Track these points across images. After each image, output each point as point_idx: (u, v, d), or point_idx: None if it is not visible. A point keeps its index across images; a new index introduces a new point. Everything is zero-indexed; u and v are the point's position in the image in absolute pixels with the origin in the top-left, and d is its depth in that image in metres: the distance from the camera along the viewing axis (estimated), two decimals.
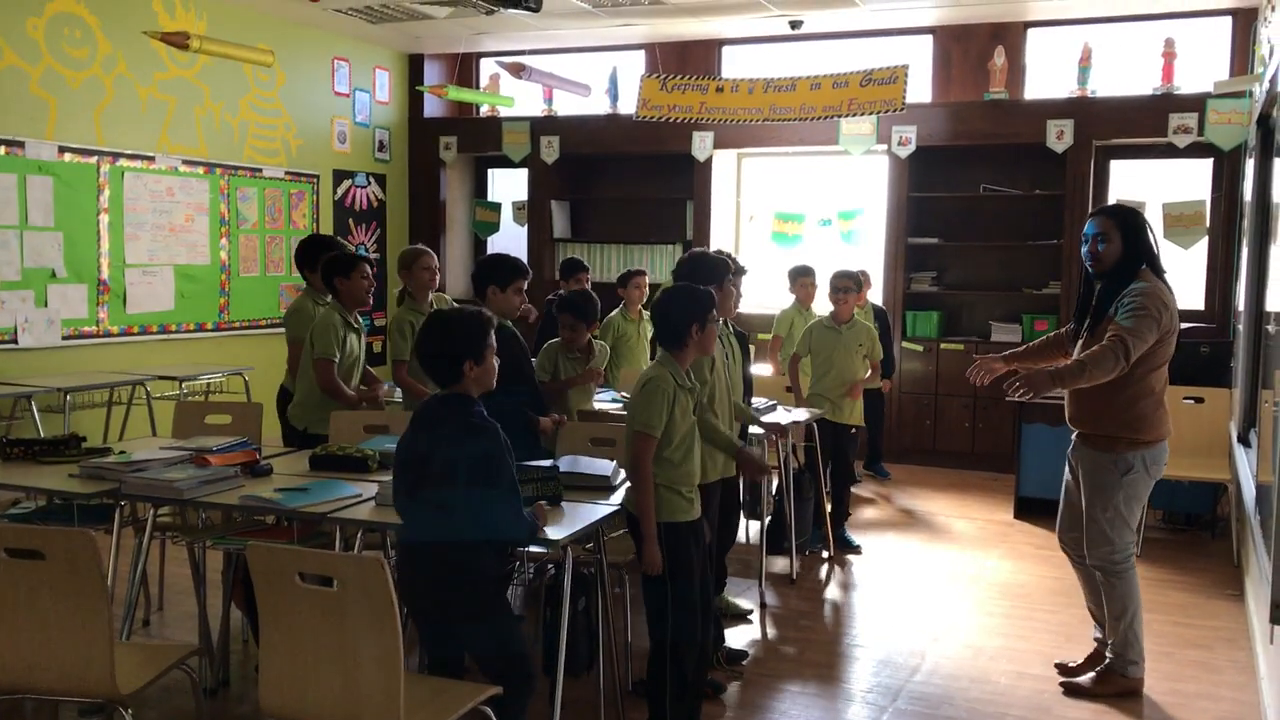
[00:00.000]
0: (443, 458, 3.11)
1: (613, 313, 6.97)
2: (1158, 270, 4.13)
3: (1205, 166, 8.21)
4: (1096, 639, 4.43)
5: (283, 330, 5.74)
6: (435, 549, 3.12)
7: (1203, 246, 7.99)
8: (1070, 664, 4.45)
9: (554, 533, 3.37)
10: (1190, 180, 8.22)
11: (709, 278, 4.25)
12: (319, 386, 5.00)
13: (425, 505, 3.15)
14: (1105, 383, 3.97)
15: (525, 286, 4.71)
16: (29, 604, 2.93)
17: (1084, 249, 4.18)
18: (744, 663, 4.55)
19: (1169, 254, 7.68)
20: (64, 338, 7.24)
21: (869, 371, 6.37)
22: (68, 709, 3.78)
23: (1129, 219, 4.17)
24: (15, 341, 6.93)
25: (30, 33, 6.98)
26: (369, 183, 9.90)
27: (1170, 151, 8.06)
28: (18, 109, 6.94)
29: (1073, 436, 4.30)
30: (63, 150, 7.20)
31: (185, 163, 8.08)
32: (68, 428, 6.03)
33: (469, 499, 3.09)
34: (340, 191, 9.58)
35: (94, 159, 7.41)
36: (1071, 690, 4.29)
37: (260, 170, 8.74)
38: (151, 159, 7.82)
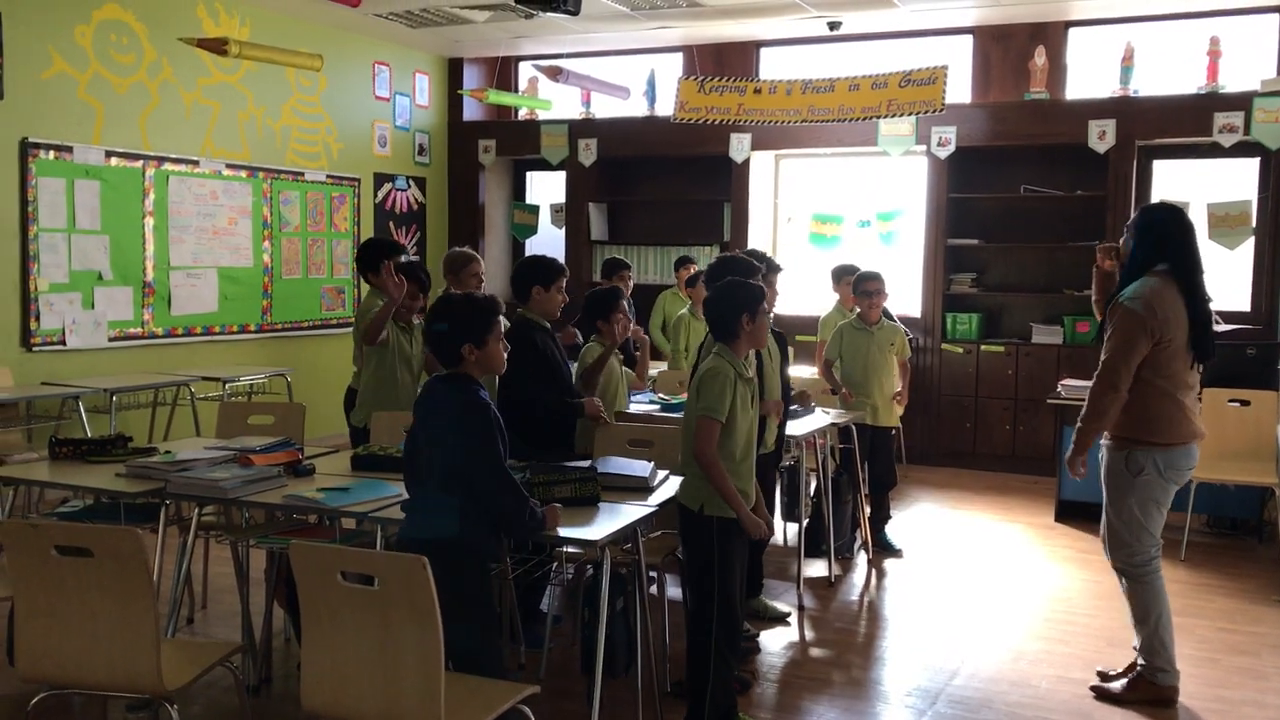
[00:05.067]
0: (435, 434, 3.19)
1: (681, 311, 7.07)
2: (1184, 270, 4.04)
3: (1251, 166, 8.09)
4: (1135, 648, 4.36)
5: (326, 332, 5.79)
6: (424, 530, 3.17)
7: (1249, 247, 7.88)
8: (1111, 671, 4.39)
9: (592, 533, 3.38)
10: (1236, 180, 8.10)
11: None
12: (365, 340, 5.09)
13: (421, 482, 3.23)
14: None
15: (565, 285, 4.79)
16: (78, 601, 2.98)
17: None
18: (753, 660, 4.55)
19: (1214, 255, 7.65)
20: (110, 339, 7.36)
21: (898, 372, 6.34)
22: (115, 704, 3.84)
23: (1144, 216, 4.17)
24: (63, 343, 7.06)
25: (78, 40, 7.11)
26: (409, 186, 9.98)
27: (1215, 151, 7.95)
28: (66, 114, 7.06)
29: (1100, 441, 4.25)
30: (109, 154, 7.31)
31: (229, 166, 8.19)
32: (114, 428, 6.12)
33: (459, 474, 3.15)
34: (381, 195, 9.66)
35: (140, 163, 7.52)
36: (1102, 695, 4.24)
37: (302, 174, 8.83)
38: (196, 163, 7.93)
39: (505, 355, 3.37)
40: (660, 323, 7.88)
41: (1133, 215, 4.28)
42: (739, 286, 3.78)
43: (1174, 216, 4.14)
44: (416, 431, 3.29)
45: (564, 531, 3.36)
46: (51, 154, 6.96)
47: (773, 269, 5.01)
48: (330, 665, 2.84)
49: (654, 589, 4.34)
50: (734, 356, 3.68)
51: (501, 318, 3.38)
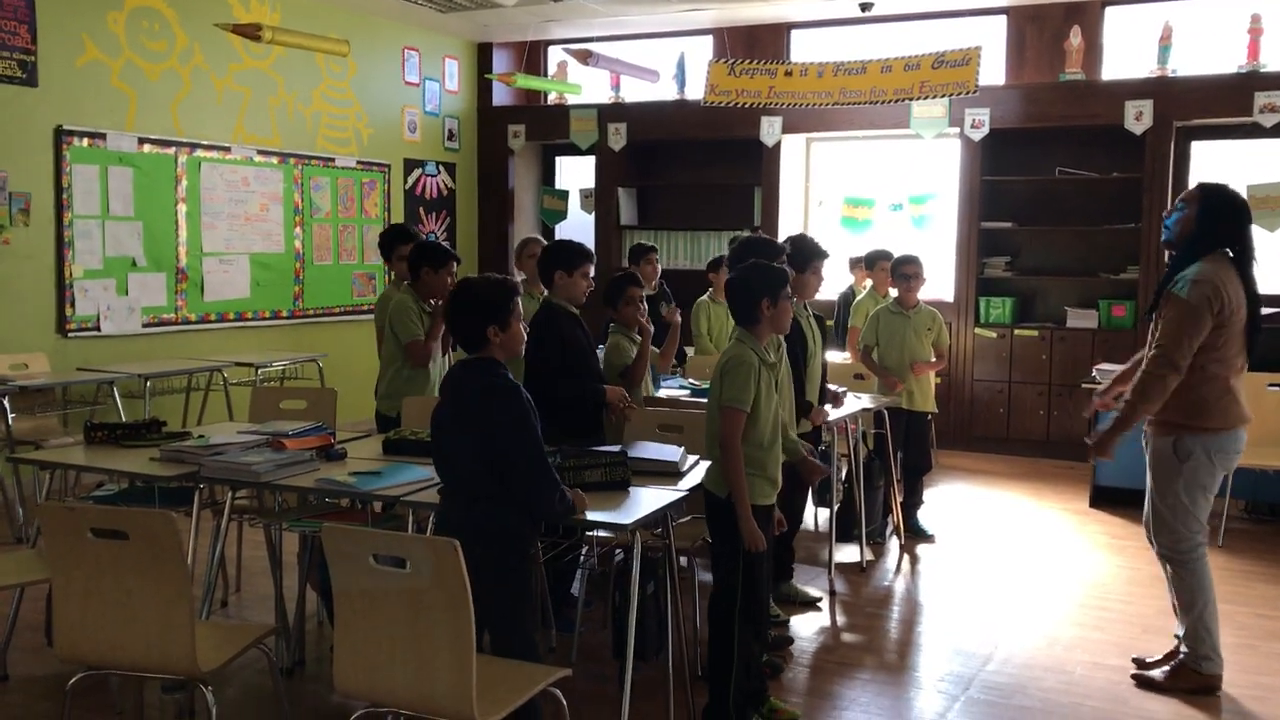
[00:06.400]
0: (466, 420, 3.16)
1: (701, 297, 6.99)
2: (1246, 255, 3.98)
3: None
4: (1176, 636, 4.30)
5: (357, 317, 5.81)
6: (465, 516, 3.17)
7: None
8: (1148, 659, 4.33)
9: (623, 517, 3.38)
10: (1277, 161, 7.96)
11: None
12: (416, 364, 5.15)
13: (455, 468, 3.22)
14: None
15: (591, 271, 4.71)
16: (114, 583, 3.01)
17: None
18: (788, 648, 4.54)
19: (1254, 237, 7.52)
20: (144, 325, 7.42)
21: (934, 357, 6.28)
22: (151, 685, 3.88)
23: (1213, 197, 4.06)
24: (98, 329, 7.12)
25: (111, 27, 7.15)
26: (439, 171, 9.99)
27: (1256, 131, 7.80)
28: (99, 101, 7.11)
29: (1144, 426, 4.19)
30: (142, 141, 7.36)
31: (260, 153, 8.22)
32: (148, 412, 6.17)
33: (496, 460, 3.13)
34: (411, 180, 9.68)
35: (172, 150, 7.57)
36: (1144, 683, 4.19)
37: (333, 160, 8.86)
38: (227, 149, 7.97)
39: (525, 335, 3.36)
40: None
41: (1188, 190, 4.16)
42: (760, 269, 3.70)
43: (1243, 202, 4.07)
44: (443, 418, 3.27)
45: (594, 515, 3.36)
46: (85, 141, 7.01)
47: (818, 254, 4.91)
48: (363, 648, 2.84)
49: (684, 572, 4.33)
50: (756, 342, 3.63)
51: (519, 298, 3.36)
